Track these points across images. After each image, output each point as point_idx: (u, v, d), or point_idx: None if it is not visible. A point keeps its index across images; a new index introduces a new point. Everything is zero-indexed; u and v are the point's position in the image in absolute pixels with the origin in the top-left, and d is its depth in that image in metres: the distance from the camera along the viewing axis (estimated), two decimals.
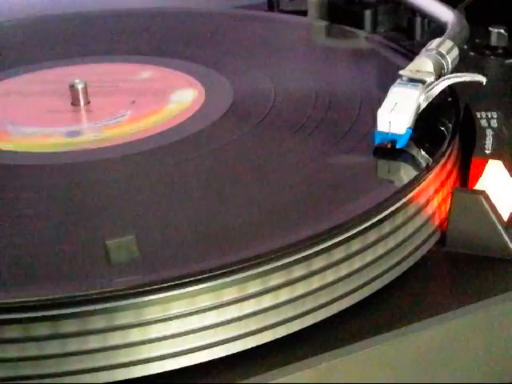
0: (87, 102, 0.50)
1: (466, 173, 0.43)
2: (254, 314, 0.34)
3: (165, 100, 0.50)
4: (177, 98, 0.50)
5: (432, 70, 0.44)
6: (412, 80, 0.43)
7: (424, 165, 0.40)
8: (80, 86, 0.50)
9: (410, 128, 0.41)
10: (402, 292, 0.37)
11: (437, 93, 0.43)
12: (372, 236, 0.37)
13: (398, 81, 0.43)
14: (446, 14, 0.52)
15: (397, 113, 0.41)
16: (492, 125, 0.45)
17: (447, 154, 0.41)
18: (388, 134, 0.41)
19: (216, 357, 0.34)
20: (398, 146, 0.41)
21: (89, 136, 0.46)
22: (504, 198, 0.41)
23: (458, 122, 0.44)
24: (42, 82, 0.54)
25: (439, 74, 0.44)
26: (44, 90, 0.53)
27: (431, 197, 0.40)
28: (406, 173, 0.41)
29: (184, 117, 0.48)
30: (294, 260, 0.34)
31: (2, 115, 0.50)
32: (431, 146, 0.42)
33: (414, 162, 0.41)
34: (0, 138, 0.47)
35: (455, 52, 0.46)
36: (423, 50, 0.46)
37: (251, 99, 0.49)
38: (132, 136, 0.46)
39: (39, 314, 0.32)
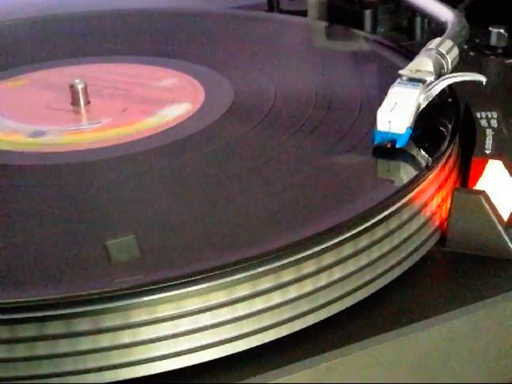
0: (87, 102, 0.50)
1: (466, 173, 0.43)
2: (256, 313, 0.34)
3: (153, 112, 0.49)
4: (165, 112, 0.49)
5: (432, 69, 0.44)
6: (412, 79, 0.43)
7: (424, 164, 0.40)
8: (80, 86, 0.50)
9: (409, 127, 0.41)
10: (402, 292, 0.37)
11: (437, 92, 0.43)
12: (372, 236, 0.36)
13: (398, 80, 0.43)
14: (445, 14, 0.53)
15: (397, 112, 0.41)
16: (492, 125, 0.45)
17: (447, 153, 0.41)
18: (388, 133, 0.41)
19: (216, 357, 0.34)
20: (397, 146, 0.41)
21: (49, 138, 0.46)
22: (504, 197, 0.41)
23: (457, 121, 0.44)
24: (42, 82, 0.54)
25: (439, 73, 0.44)
26: (44, 90, 0.53)
27: (431, 197, 0.40)
28: (406, 172, 0.41)
29: (184, 117, 0.48)
30: (294, 260, 0.34)
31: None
32: (431, 146, 0.42)
33: (413, 161, 0.41)
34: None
35: (455, 52, 0.46)
36: (423, 49, 0.46)
37: (251, 99, 0.49)
38: (92, 144, 0.45)
39: (40, 314, 0.32)
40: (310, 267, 0.35)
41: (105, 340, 0.32)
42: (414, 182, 0.38)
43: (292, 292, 0.34)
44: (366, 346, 0.34)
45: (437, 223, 0.40)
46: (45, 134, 0.47)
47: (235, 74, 0.53)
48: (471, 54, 0.59)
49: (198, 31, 0.62)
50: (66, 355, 0.32)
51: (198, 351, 0.33)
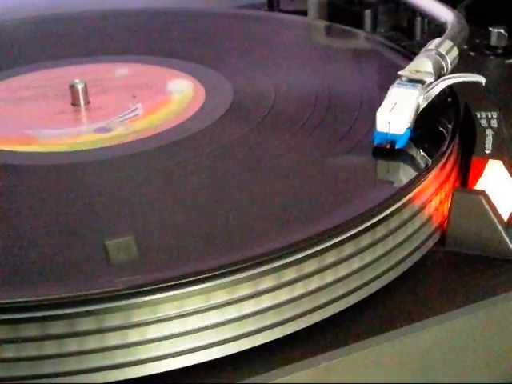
0: (87, 102, 0.50)
1: (466, 173, 0.43)
2: (255, 313, 0.34)
3: (166, 92, 0.50)
4: (176, 88, 0.50)
5: (431, 70, 0.44)
6: (411, 80, 0.43)
7: (423, 165, 0.40)
8: (80, 86, 0.50)
9: (409, 128, 0.41)
10: (402, 292, 0.37)
11: (436, 93, 0.43)
12: (372, 236, 0.37)
13: (398, 81, 0.43)
14: (445, 14, 0.53)
15: (396, 113, 0.41)
16: (492, 125, 0.45)
17: (447, 154, 0.41)
18: (387, 134, 0.41)
19: (216, 357, 0.34)
20: (397, 147, 0.41)
21: (119, 131, 0.47)
22: (504, 197, 0.41)
23: (457, 122, 0.44)
24: (42, 82, 0.54)
25: (439, 74, 0.44)
26: (44, 90, 0.53)
27: (431, 197, 0.40)
28: (406, 173, 0.41)
29: (184, 117, 0.48)
30: (294, 260, 0.34)
31: (14, 120, 0.50)
32: (431, 147, 0.42)
33: (413, 162, 0.41)
34: (30, 142, 0.46)
35: (455, 52, 0.46)
36: (423, 50, 0.46)
37: (251, 99, 0.49)
38: (163, 125, 0.46)
39: (39, 314, 0.32)
40: (307, 268, 0.35)
41: (101, 340, 0.32)
42: (413, 183, 0.38)
43: (288, 293, 0.34)
44: (366, 345, 0.34)
45: (437, 223, 0.40)
46: (111, 129, 0.47)
47: (235, 74, 0.53)
48: (471, 54, 0.59)
49: (198, 31, 0.62)
50: (62, 356, 0.32)
51: (197, 351, 0.33)
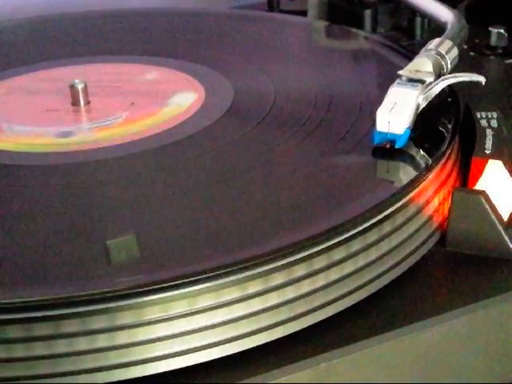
0: (87, 102, 0.50)
1: (466, 173, 0.43)
2: (256, 313, 0.34)
3: (164, 103, 0.50)
4: (177, 101, 0.50)
5: (431, 69, 0.44)
6: (411, 80, 0.43)
7: (423, 165, 0.40)
8: (80, 86, 0.50)
9: (408, 128, 0.41)
10: (402, 292, 0.37)
11: (436, 93, 0.43)
12: (372, 236, 0.37)
13: (398, 81, 0.43)
14: (445, 14, 0.52)
15: (396, 113, 0.41)
16: (492, 125, 0.45)
17: (447, 154, 0.41)
18: (387, 133, 0.41)
19: (216, 357, 0.34)
20: (397, 146, 0.41)
21: (80, 137, 0.46)
22: (504, 197, 0.41)
23: (457, 121, 0.44)
24: (43, 82, 0.54)
25: (438, 73, 0.44)
26: (44, 90, 0.53)
27: (431, 197, 0.40)
28: (406, 173, 0.41)
29: (184, 117, 0.48)
30: (295, 260, 0.34)
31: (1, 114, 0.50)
32: (431, 146, 0.42)
33: (413, 162, 0.41)
34: None
35: (455, 52, 0.46)
36: (422, 50, 0.46)
37: (251, 99, 0.49)
38: (126, 137, 0.46)
39: (42, 313, 0.32)
40: (307, 268, 0.35)
41: (103, 340, 0.32)
42: (413, 183, 0.38)
43: (289, 293, 0.34)
44: (366, 345, 0.34)
45: (437, 223, 0.40)
46: (73, 134, 0.47)
47: (235, 74, 0.53)
48: (471, 54, 0.59)
49: (198, 31, 0.62)
50: (63, 355, 0.32)
51: (197, 351, 0.33)
